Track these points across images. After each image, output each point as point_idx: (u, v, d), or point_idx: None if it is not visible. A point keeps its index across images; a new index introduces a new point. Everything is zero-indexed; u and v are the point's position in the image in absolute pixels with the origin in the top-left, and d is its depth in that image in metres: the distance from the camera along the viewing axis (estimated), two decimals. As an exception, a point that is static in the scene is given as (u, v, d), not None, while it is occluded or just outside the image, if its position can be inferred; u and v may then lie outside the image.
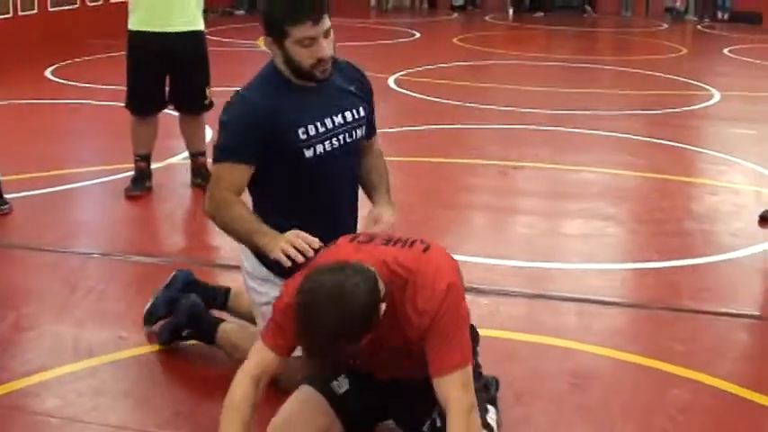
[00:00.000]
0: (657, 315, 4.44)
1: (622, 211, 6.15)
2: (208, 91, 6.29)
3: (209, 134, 6.34)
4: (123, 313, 4.34)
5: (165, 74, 6.19)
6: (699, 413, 3.54)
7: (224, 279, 4.62)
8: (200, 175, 6.41)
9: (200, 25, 6.23)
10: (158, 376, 3.81)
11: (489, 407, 3.15)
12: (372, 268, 2.70)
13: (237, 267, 4.78)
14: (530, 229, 5.80)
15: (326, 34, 3.24)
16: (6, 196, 5.90)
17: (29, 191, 6.22)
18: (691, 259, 5.17)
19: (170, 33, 6.06)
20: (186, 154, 6.59)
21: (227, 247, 5.26)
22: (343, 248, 2.91)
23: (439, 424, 2.85)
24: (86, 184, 6.59)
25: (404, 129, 8.43)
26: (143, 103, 6.25)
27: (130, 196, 6.24)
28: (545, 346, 4.05)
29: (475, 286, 4.58)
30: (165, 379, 3.79)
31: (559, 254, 5.31)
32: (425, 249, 2.86)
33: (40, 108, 9.26)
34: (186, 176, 6.52)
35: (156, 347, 3.93)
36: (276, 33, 3.24)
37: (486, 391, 3.20)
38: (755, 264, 5.25)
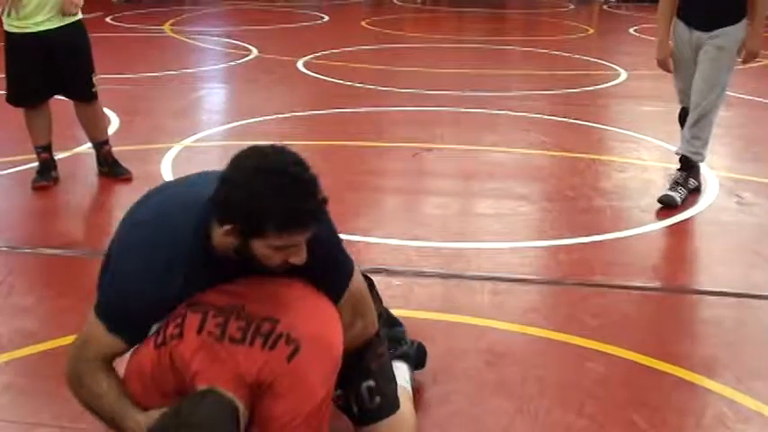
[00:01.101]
0: (570, 290, 4.50)
1: (534, 190, 6.21)
2: (94, 78, 6.18)
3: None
4: (32, 307, 4.25)
5: (44, 64, 6.02)
6: (613, 385, 3.59)
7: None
8: (106, 164, 6.35)
9: (76, 16, 6.09)
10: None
11: (399, 364, 3.23)
12: (229, 400, 2.31)
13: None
14: (443, 209, 5.82)
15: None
16: None
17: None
18: (601, 235, 5.25)
19: (48, 30, 5.93)
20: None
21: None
22: (186, 351, 2.38)
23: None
24: (-10, 177, 6.43)
25: (314, 112, 8.40)
26: (24, 95, 6.11)
27: (37, 187, 6.12)
28: (460, 325, 4.07)
29: (388, 268, 4.60)
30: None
31: (472, 233, 5.34)
32: (292, 354, 2.37)
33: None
34: (93, 166, 6.40)
35: (65, 341, 3.85)
36: (249, 230, 2.39)
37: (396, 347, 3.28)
38: (664, 237, 5.35)
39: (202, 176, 2.68)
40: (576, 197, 5.99)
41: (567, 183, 6.36)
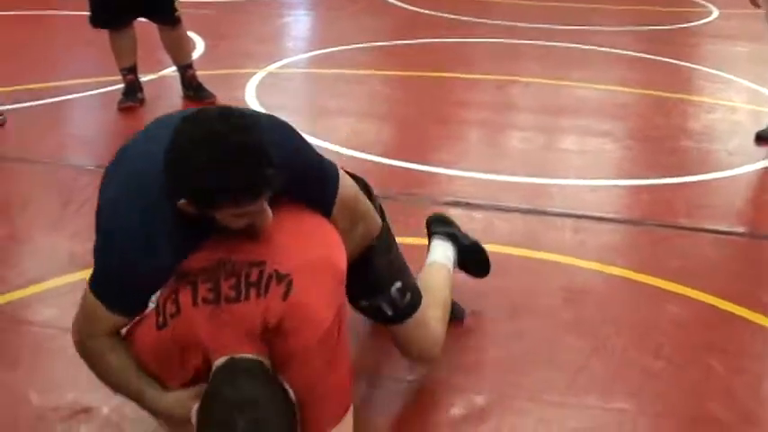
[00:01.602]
0: (652, 231, 4.44)
1: (619, 128, 6.12)
2: (177, 2, 6.21)
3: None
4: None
5: None
6: (692, 328, 3.55)
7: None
8: (190, 88, 6.40)
9: None
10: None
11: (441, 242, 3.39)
12: (259, 362, 2.26)
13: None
14: (526, 144, 5.77)
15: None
16: (0, 107, 5.86)
17: (22, 103, 6.16)
18: (685, 177, 5.16)
19: None
20: (176, 67, 6.55)
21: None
22: (189, 327, 2.30)
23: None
24: (79, 96, 6.53)
25: (399, 42, 8.35)
26: (108, 17, 6.14)
27: (122, 108, 6.21)
28: (539, 261, 4.05)
29: (470, 201, 4.58)
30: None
31: (555, 169, 5.28)
32: (287, 291, 2.26)
33: (29, 18, 9.14)
34: (178, 89, 6.46)
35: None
36: (201, 204, 2.26)
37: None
38: (751, 182, 5.25)
39: (162, 126, 2.44)
40: (661, 137, 5.88)
41: (652, 122, 6.25)
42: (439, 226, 3.60)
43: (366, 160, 5.16)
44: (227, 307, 2.24)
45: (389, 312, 2.89)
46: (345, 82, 7.00)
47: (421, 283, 3.07)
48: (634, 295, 3.82)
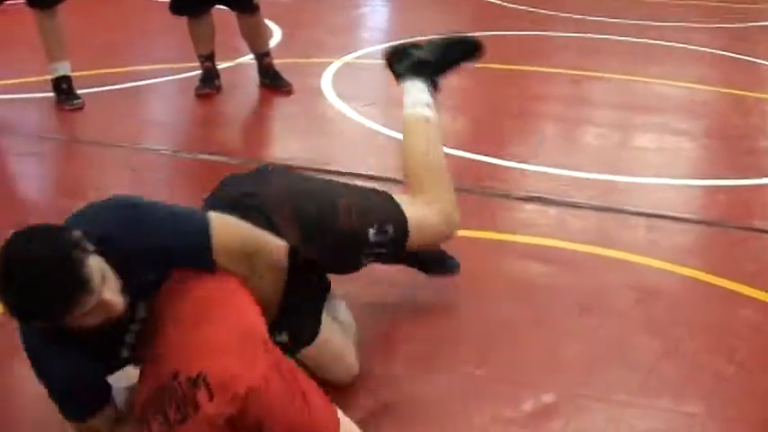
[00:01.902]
0: (728, 233, 4.36)
1: (696, 127, 6.02)
2: None
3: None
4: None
5: None
6: (767, 334, 3.49)
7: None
8: (267, 76, 6.44)
9: None
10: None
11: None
12: None
13: (303, 168, 4.82)
14: (600, 140, 5.71)
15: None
16: (78, 91, 5.96)
17: (100, 86, 6.26)
18: (765, 178, 5.06)
19: None
20: (253, 55, 6.60)
21: (294, 147, 5.30)
22: None
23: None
24: (157, 82, 6.61)
25: (474, 34, 8.30)
26: (187, 3, 6.20)
27: (200, 95, 6.27)
28: (612, 260, 4.01)
29: (542, 196, 4.55)
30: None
31: (630, 167, 5.22)
32: (209, 390, 2.16)
33: (109, 2, 9.27)
34: (255, 76, 6.51)
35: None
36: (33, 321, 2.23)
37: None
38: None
39: None
40: (739, 136, 5.79)
41: (730, 121, 6.15)
42: (398, 62, 3.42)
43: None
44: (181, 429, 2.19)
45: (388, 251, 2.93)
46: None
47: (404, 160, 3.20)
48: (707, 297, 3.77)
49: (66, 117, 5.80)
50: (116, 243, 2.23)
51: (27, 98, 6.15)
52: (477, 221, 4.16)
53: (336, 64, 7.12)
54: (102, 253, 2.18)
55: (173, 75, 6.70)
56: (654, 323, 3.49)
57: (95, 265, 2.14)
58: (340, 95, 6.24)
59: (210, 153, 5.18)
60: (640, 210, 4.50)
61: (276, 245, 2.58)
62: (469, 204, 4.43)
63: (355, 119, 5.79)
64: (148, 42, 7.96)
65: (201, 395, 2.15)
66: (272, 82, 6.42)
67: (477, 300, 3.56)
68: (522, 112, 6.21)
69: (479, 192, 4.60)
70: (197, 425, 2.15)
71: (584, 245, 4.10)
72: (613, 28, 8.71)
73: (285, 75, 6.43)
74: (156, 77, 6.64)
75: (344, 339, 2.97)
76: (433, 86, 3.41)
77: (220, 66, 6.49)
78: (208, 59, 6.35)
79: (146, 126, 5.85)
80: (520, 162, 5.08)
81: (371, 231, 2.86)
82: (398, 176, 4.70)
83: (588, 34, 8.48)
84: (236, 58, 7.04)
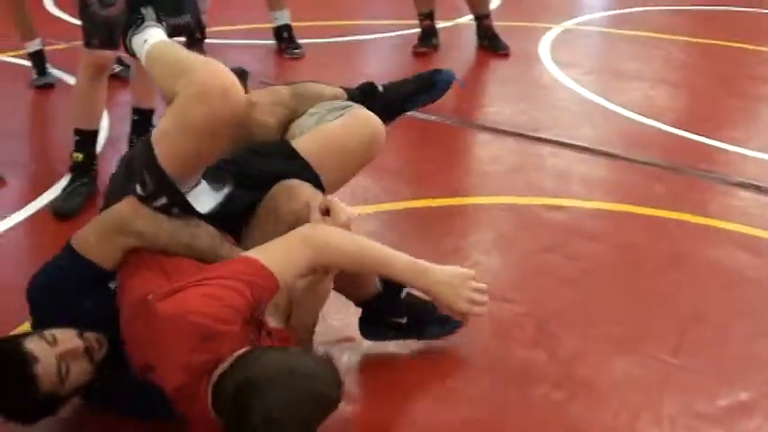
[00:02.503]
0: None
1: None
2: None
3: None
4: (400, 168, 4.43)
5: None
6: None
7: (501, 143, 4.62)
8: (486, 38, 6.42)
9: None
10: (422, 228, 3.87)
11: None
12: None
13: (513, 134, 4.80)
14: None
15: None
16: (299, 41, 6.12)
17: (319, 38, 6.40)
18: None
19: None
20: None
21: (506, 111, 5.26)
22: None
23: None
24: (376, 37, 6.70)
25: (701, 8, 8.03)
26: None
27: (417, 53, 6.32)
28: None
29: (761, 185, 4.35)
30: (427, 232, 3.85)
31: None
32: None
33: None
34: (473, 38, 6.50)
35: (425, 203, 4.01)
36: None
37: None
38: None
39: None
40: None
41: None
42: None
43: (654, 128, 5.02)
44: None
45: (164, 201, 2.49)
46: (641, 45, 6.80)
47: None
48: None
49: (286, 65, 5.97)
50: None
51: (252, 44, 6.36)
52: (691, 205, 4.04)
53: (556, 29, 7.02)
54: None
55: (391, 32, 6.77)
56: None
57: (31, 345, 2.27)
58: (557, 62, 6.16)
59: (424, 111, 5.20)
60: None
61: (119, 206, 2.49)
62: (683, 185, 4.32)
63: (571, 87, 5.70)
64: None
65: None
66: (491, 44, 6.40)
67: (679, 285, 3.46)
68: (744, 92, 5.94)
69: (693, 172, 4.45)
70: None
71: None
72: None
73: (503, 38, 6.39)
74: (374, 33, 6.72)
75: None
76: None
77: (439, 25, 6.50)
78: (428, 18, 6.38)
79: (362, 80, 5.91)
80: (739, 146, 4.87)
81: (138, 188, 2.47)
82: (613, 150, 4.63)
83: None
84: (456, 19, 7.04)
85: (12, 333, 2.56)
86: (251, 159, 2.69)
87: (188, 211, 2.49)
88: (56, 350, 2.27)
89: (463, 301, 2.50)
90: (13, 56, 6.11)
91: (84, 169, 4.02)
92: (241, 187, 2.62)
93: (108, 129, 4.74)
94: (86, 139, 4.02)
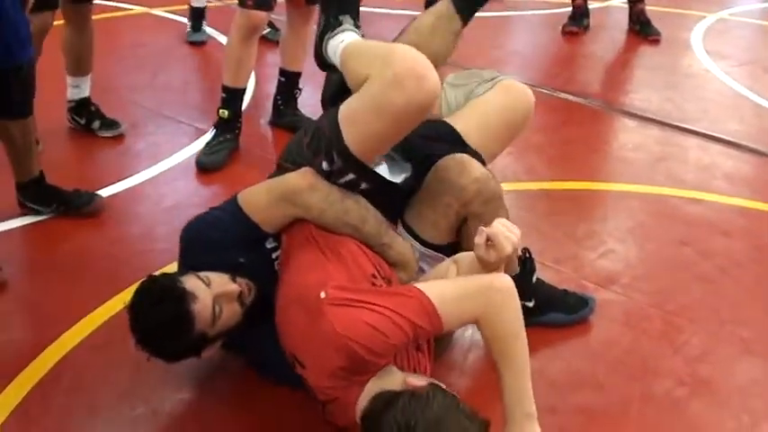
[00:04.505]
0: None
1: None
2: None
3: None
4: (541, 148, 4.41)
5: None
6: None
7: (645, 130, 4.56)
8: (637, 22, 6.34)
9: None
10: (559, 210, 3.85)
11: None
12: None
13: (658, 122, 4.71)
14: None
15: None
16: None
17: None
18: None
19: None
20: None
21: (653, 98, 5.17)
22: None
23: None
24: (527, 14, 6.67)
25: None
26: None
27: (566, 32, 6.27)
28: None
29: None
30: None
31: None
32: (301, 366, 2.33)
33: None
34: (622, 21, 6.41)
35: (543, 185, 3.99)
36: None
37: None
38: None
39: None
40: None
41: None
42: None
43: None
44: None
45: (353, 177, 2.50)
46: (800, 40, 6.61)
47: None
48: None
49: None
50: None
51: (406, 15, 6.40)
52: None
53: (711, 18, 6.85)
54: None
55: (543, 9, 6.72)
56: None
57: (190, 284, 2.33)
58: (709, 52, 6.01)
59: (569, 93, 5.17)
60: None
61: (295, 176, 2.52)
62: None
63: (722, 78, 5.56)
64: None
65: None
66: (642, 29, 6.30)
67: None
68: None
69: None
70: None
71: None
72: None
73: (656, 23, 6.27)
74: (526, 9, 6.68)
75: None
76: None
77: (592, 6, 6.43)
78: (580, -3, 6.34)
79: (510, 56, 5.92)
80: None
81: (324, 164, 2.49)
82: (761, 147, 4.51)
83: None
84: (608, 0, 6.93)
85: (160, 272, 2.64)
86: (420, 144, 2.69)
87: (376, 184, 2.52)
88: (212, 291, 2.34)
89: None
90: (166, 11, 6.29)
91: (229, 126, 4.13)
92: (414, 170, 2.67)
93: (254, 88, 4.85)
94: (233, 96, 4.12)
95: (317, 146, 2.49)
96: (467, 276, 2.36)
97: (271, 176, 2.64)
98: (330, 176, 2.48)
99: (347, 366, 2.17)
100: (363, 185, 2.50)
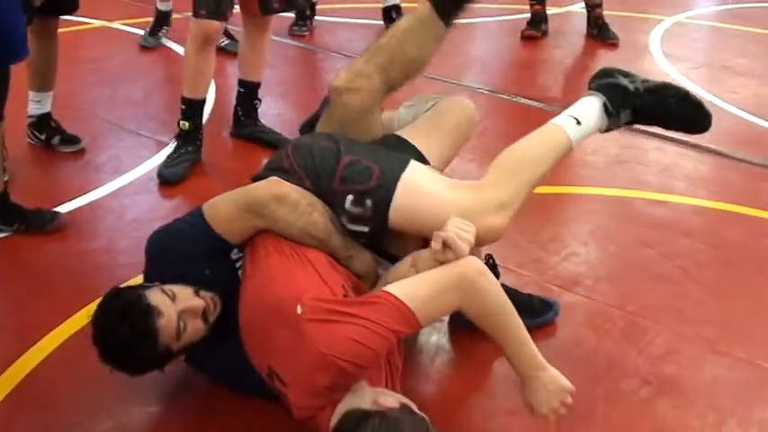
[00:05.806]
0: None
1: None
2: None
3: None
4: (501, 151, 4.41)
5: None
6: None
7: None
8: (595, 26, 6.38)
9: None
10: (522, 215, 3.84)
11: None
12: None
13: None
14: None
15: None
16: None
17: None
18: None
19: None
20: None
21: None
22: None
23: None
24: (485, 21, 6.69)
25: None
26: None
27: (525, 36, 6.33)
28: None
29: None
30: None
31: None
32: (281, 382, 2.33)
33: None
34: (581, 26, 6.46)
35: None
36: None
37: None
38: None
39: None
40: None
41: None
42: (599, 78, 2.87)
43: (763, 127, 4.92)
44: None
45: (364, 230, 2.56)
46: (755, 42, 6.65)
47: (505, 151, 2.82)
48: None
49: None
50: None
51: (360, 24, 6.42)
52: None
53: (668, 22, 6.91)
54: None
55: (502, 16, 6.76)
56: None
57: (155, 299, 2.33)
58: (667, 55, 6.07)
59: (529, 98, 5.20)
60: None
61: (262, 186, 2.52)
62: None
63: (680, 81, 5.62)
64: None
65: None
66: (600, 33, 6.34)
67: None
68: None
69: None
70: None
71: None
72: None
73: (614, 28, 6.33)
74: (484, 17, 6.71)
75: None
76: (611, 118, 2.82)
77: (550, 11, 6.47)
78: (538, 3, 6.38)
79: (468, 63, 5.94)
80: None
81: (349, 199, 2.53)
82: (720, 148, 4.56)
83: None
84: (567, 6, 6.99)
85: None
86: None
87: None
88: (177, 306, 2.33)
89: (546, 408, 2.41)
90: (125, 23, 6.27)
91: (191, 137, 4.12)
92: None
93: (214, 100, 4.84)
94: (193, 107, 4.11)
95: (356, 180, 2.51)
96: (435, 270, 2.34)
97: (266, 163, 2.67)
98: (343, 213, 2.52)
99: (331, 384, 2.18)
100: (362, 241, 2.57)
